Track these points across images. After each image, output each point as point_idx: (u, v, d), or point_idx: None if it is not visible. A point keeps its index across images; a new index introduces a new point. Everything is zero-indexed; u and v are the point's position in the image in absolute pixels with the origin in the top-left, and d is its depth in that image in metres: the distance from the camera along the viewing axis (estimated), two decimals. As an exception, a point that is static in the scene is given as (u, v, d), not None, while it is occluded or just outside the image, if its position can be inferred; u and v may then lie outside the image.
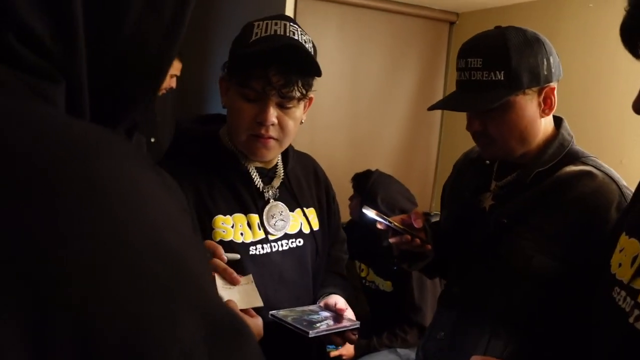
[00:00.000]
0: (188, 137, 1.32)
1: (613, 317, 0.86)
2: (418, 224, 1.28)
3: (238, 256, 1.15)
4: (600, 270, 0.97)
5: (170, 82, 3.12)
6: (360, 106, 3.10)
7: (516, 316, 1.26)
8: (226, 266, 1.04)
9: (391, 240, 1.30)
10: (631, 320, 0.80)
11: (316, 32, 2.87)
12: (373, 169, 2.89)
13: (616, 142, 2.33)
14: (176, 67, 3.09)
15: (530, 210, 1.24)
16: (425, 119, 3.28)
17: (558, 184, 1.23)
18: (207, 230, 1.19)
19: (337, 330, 1.23)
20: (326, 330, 1.20)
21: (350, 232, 2.57)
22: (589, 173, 1.21)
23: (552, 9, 2.63)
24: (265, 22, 1.18)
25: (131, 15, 0.44)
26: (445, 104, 1.30)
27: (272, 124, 1.19)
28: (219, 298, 0.43)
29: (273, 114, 1.18)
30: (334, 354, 2.45)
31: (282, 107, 1.20)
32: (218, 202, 1.23)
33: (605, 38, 2.34)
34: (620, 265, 0.89)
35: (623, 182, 1.20)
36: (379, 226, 1.28)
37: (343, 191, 2.89)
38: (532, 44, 1.19)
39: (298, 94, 1.19)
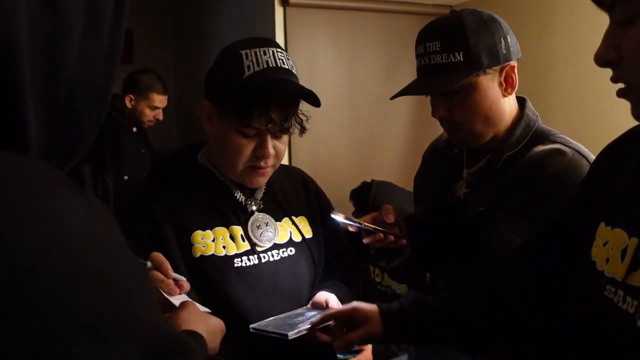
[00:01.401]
0: (166, 162, 1.34)
1: (615, 321, 0.77)
2: (389, 219, 1.26)
3: (184, 279, 1.08)
4: (580, 263, 0.89)
5: (157, 114, 3.21)
6: (361, 110, 3.06)
7: None
8: (164, 277, 1.00)
9: (365, 240, 1.27)
10: (639, 323, 0.72)
11: (308, 40, 2.87)
12: (379, 172, 2.85)
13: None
14: (161, 100, 3.18)
15: (505, 195, 1.21)
16: (428, 116, 3.18)
17: (529, 165, 1.20)
18: (187, 247, 1.19)
19: (321, 326, 1.17)
20: (308, 329, 1.15)
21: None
22: (559, 151, 1.18)
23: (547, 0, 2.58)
24: (252, 50, 1.18)
25: (73, 43, 0.43)
26: (406, 90, 1.28)
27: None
28: (157, 315, 0.41)
29: (271, 146, 1.21)
30: None
31: (276, 136, 1.22)
32: (196, 217, 1.22)
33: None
34: (608, 260, 0.81)
35: (592, 156, 1.17)
36: (350, 229, 1.26)
37: (349, 192, 2.86)
38: (488, 24, 1.19)
39: (298, 127, 1.21)
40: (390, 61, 3.10)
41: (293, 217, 1.34)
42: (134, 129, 3.18)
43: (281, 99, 1.16)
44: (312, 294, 1.31)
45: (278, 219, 1.32)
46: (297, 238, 1.32)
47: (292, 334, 1.11)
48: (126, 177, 3.10)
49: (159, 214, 1.20)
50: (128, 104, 3.11)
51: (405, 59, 3.09)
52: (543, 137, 1.23)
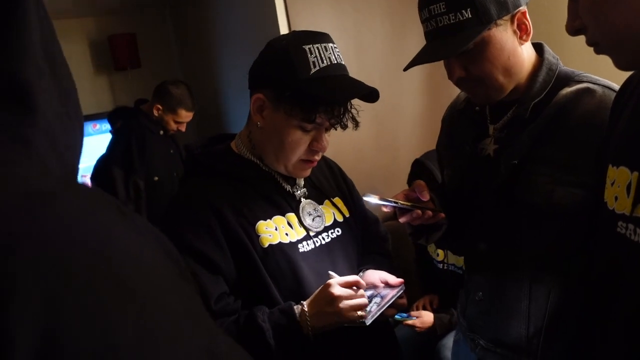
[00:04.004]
0: (202, 157, 1.33)
1: (629, 254, 0.80)
2: (424, 196, 1.22)
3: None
4: (599, 208, 0.91)
5: (180, 127, 3.26)
6: (372, 82, 2.97)
7: (551, 256, 1.19)
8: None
9: (401, 220, 1.24)
10: None
11: (311, 15, 2.80)
12: (399, 142, 2.79)
13: None
14: (187, 116, 3.23)
15: (537, 145, 1.17)
16: (443, 78, 3.11)
17: (558, 109, 1.16)
18: (253, 238, 1.21)
19: (388, 305, 1.26)
20: (378, 310, 1.22)
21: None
22: (587, 89, 1.14)
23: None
24: (315, 46, 1.18)
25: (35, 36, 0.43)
26: (419, 59, 1.23)
27: None
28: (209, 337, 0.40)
29: (325, 140, 1.25)
30: (407, 323, 2.39)
31: (331, 129, 1.26)
32: (254, 209, 1.24)
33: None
34: (616, 198, 0.84)
35: None
36: (384, 209, 1.23)
37: (374, 168, 2.86)
38: None
39: (352, 121, 1.25)
40: (396, 29, 3.04)
41: (331, 199, 1.38)
42: (161, 132, 3.23)
43: (355, 97, 1.21)
44: (359, 269, 1.36)
45: (320, 202, 1.35)
46: (340, 218, 1.37)
47: (369, 320, 1.18)
48: (156, 178, 3.17)
49: (222, 206, 1.21)
50: (155, 112, 3.17)
51: (411, 25, 3.02)
52: (567, 79, 1.18)
